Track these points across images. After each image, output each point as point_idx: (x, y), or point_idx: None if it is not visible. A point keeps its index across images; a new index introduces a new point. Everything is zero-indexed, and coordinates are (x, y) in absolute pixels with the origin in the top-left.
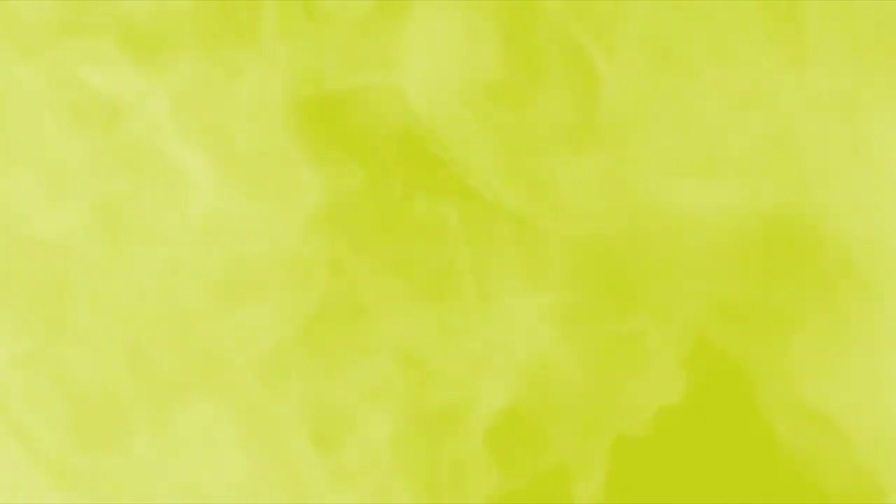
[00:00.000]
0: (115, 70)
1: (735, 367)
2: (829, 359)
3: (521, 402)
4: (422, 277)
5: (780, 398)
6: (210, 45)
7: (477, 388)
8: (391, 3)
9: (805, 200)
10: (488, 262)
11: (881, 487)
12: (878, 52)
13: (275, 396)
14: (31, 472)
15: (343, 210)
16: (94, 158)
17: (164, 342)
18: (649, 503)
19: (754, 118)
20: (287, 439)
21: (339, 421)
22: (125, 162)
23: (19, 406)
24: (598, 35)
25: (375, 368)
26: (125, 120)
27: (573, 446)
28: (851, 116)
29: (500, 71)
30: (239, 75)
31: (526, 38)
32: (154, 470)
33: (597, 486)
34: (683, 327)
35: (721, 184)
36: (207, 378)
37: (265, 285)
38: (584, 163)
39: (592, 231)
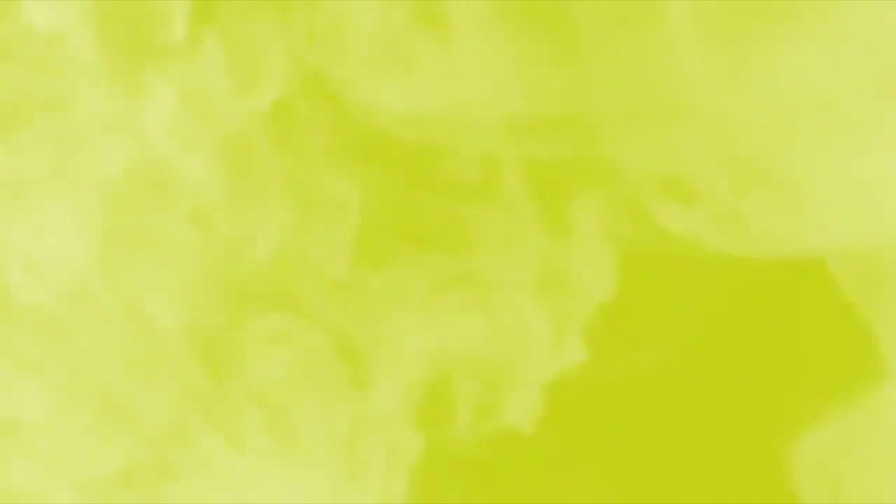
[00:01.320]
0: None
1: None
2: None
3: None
4: (439, 283)
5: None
6: (219, 48)
7: (499, 401)
8: (415, 11)
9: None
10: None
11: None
12: None
13: (296, 409)
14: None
15: (361, 217)
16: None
17: (180, 355)
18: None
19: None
20: (311, 449)
21: (360, 431)
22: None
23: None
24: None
25: (395, 377)
26: (134, 127)
27: (499, 399)
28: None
29: (519, 85)
30: (249, 80)
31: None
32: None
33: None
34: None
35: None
36: (227, 391)
37: (281, 295)
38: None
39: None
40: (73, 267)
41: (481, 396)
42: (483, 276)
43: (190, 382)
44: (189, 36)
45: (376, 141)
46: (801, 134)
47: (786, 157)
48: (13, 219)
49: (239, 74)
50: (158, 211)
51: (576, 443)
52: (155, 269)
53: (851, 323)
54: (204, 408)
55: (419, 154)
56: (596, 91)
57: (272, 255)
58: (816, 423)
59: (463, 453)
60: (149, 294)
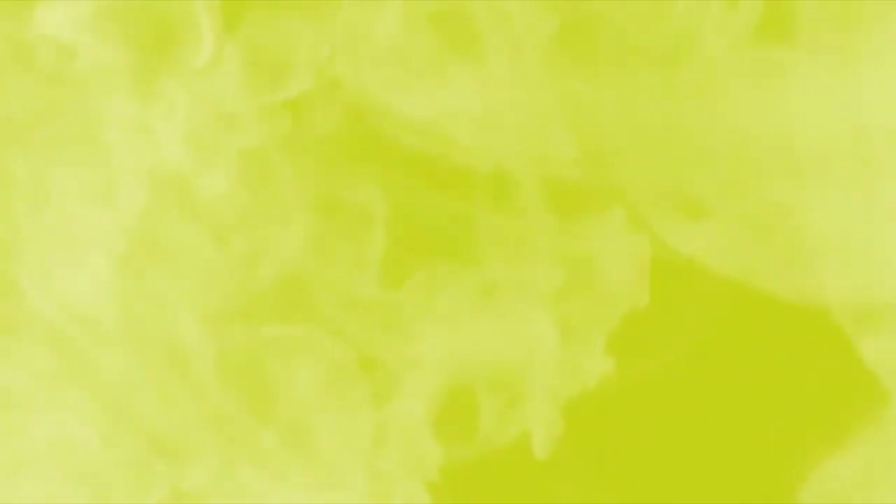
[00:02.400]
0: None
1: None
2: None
3: (462, 374)
4: (462, 294)
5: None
6: (240, 60)
7: (521, 412)
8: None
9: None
10: (431, 232)
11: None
12: None
13: (319, 421)
14: None
15: (383, 229)
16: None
17: (205, 371)
18: (604, 463)
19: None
20: (334, 461)
21: (383, 442)
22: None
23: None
24: None
25: (417, 389)
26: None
27: (520, 412)
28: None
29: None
30: (271, 91)
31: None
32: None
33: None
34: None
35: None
36: (252, 406)
37: (217, 245)
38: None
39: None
40: (92, 283)
41: (503, 410)
42: (504, 288)
43: (210, 396)
44: (210, 47)
45: (398, 152)
46: (813, 179)
47: (796, 202)
48: (33, 233)
49: (260, 85)
50: (179, 224)
51: (595, 458)
52: (176, 283)
53: (852, 358)
54: (224, 422)
55: (440, 165)
56: (615, 118)
57: (293, 267)
58: (828, 455)
59: (484, 467)
60: (170, 308)
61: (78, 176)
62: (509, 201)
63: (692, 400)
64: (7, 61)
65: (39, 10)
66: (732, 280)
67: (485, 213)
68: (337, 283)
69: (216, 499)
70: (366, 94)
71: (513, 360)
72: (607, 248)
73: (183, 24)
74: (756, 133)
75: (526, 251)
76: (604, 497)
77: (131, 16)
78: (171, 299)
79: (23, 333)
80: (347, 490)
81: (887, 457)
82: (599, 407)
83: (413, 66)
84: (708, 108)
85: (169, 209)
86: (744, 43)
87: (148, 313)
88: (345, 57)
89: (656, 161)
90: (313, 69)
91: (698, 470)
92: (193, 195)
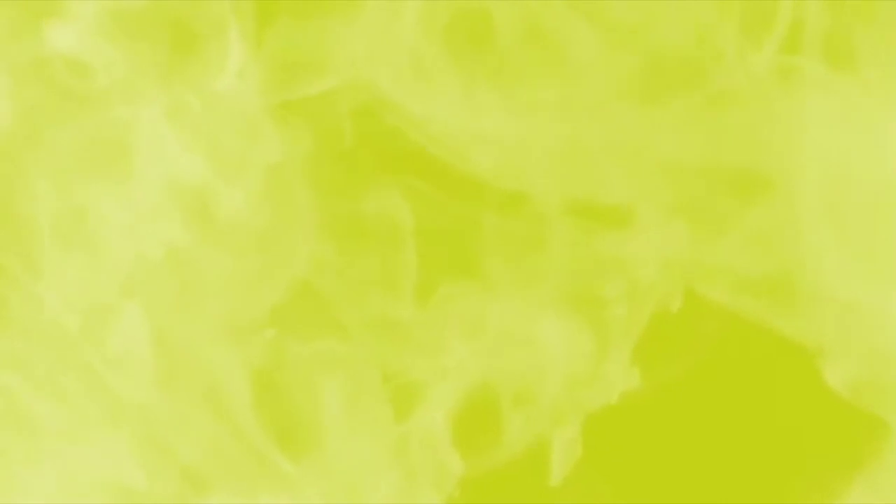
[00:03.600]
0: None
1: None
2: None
3: (485, 384)
4: (376, 258)
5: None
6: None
7: (542, 424)
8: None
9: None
10: (449, 245)
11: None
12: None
13: (229, 369)
14: None
15: (338, 214)
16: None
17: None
18: (623, 479)
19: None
20: (356, 473)
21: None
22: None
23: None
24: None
25: (334, 347)
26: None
27: (541, 426)
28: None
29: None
30: (226, 75)
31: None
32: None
33: (569, 466)
34: (646, 302)
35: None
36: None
37: (231, 258)
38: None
39: (558, 197)
40: (112, 300)
41: (526, 423)
42: (528, 303)
43: (233, 408)
44: (230, 57)
45: (421, 163)
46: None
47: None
48: (57, 257)
49: (282, 99)
50: (199, 238)
51: (616, 471)
52: (197, 298)
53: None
54: (245, 434)
55: (462, 176)
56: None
57: (314, 280)
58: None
59: (505, 480)
60: (191, 324)
61: (104, 194)
62: (534, 213)
63: (702, 416)
64: (28, 79)
65: (54, 26)
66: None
67: (507, 225)
68: (359, 296)
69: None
70: (390, 107)
71: (536, 373)
72: (634, 259)
73: (207, 35)
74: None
75: (551, 264)
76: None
77: (151, 28)
78: (199, 320)
79: (55, 363)
80: (369, 500)
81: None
82: (621, 420)
83: (436, 78)
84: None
85: (193, 226)
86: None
87: (177, 337)
88: (371, 69)
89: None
90: (336, 79)
91: (716, 480)
92: (216, 211)
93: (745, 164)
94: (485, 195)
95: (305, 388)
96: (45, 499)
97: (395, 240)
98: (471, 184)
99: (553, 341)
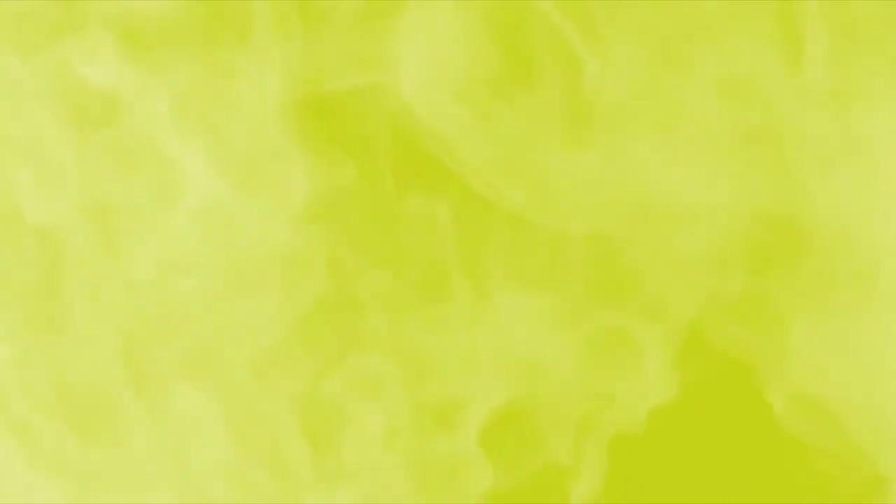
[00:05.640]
0: (113, 68)
1: (731, 361)
2: (826, 348)
3: (516, 400)
4: (416, 274)
5: (778, 389)
6: (206, 44)
7: (471, 386)
8: (385, 3)
9: (796, 194)
10: (483, 260)
11: (882, 475)
12: (871, 48)
13: (268, 392)
14: (28, 466)
15: (337, 208)
16: (90, 156)
17: (159, 337)
18: (646, 501)
19: (748, 113)
20: (279, 435)
21: (333, 417)
22: (121, 159)
23: (15, 402)
24: (589, 32)
25: (369, 365)
26: (122, 117)
27: (568, 444)
28: (844, 113)
29: (494, 69)
30: (235, 74)
31: (518, 36)
32: (147, 463)
33: (593, 484)
34: (677, 323)
35: (713, 179)
36: (201, 373)
37: (260, 281)
38: (578, 159)
39: (586, 227)
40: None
41: (554, 433)
42: (560, 311)
43: (254, 412)
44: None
45: (439, 167)
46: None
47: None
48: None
49: (302, 101)
50: (220, 248)
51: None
52: (225, 302)
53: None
54: (263, 438)
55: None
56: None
57: (335, 282)
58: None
59: (534, 490)
60: (218, 330)
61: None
62: (466, 181)
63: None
64: (51, 110)
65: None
66: (716, 219)
67: (441, 193)
68: (383, 299)
69: None
70: (319, 69)
71: (468, 339)
72: (658, 274)
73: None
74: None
75: (482, 231)
76: None
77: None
78: (220, 321)
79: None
80: (290, 466)
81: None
82: (647, 440)
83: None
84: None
85: (209, 235)
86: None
87: (192, 335)
88: (383, 69)
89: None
90: (363, 95)
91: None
92: (162, 167)
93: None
94: (507, 207)
95: (341, 402)
96: None
97: (432, 256)
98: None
99: (579, 358)
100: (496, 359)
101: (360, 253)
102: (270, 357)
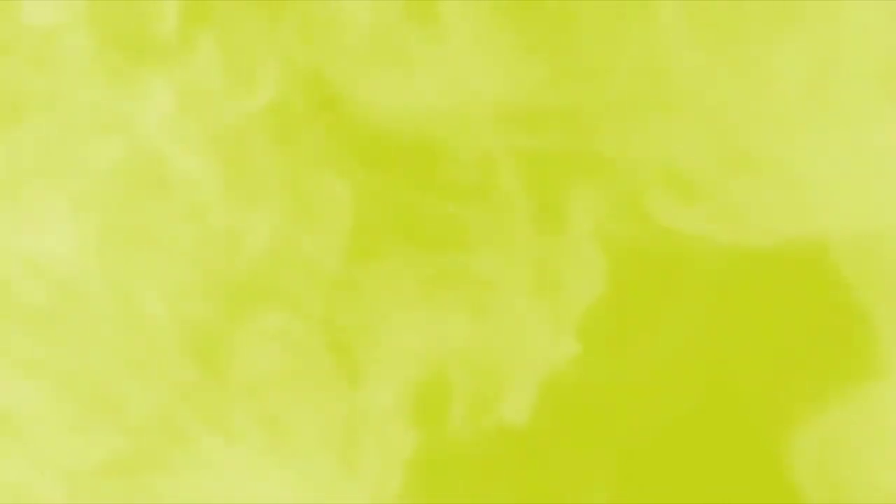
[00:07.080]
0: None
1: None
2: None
3: (535, 411)
4: (433, 280)
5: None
6: (214, 47)
7: (494, 397)
8: (408, 8)
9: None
10: (501, 268)
11: None
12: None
13: (290, 405)
14: (38, 481)
15: (355, 215)
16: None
17: (173, 350)
18: None
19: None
20: (305, 446)
21: (355, 427)
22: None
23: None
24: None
25: (390, 374)
26: (130, 124)
27: (585, 457)
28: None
29: (514, 80)
30: (244, 78)
31: (541, 49)
32: (168, 488)
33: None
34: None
35: (725, 211)
36: (220, 386)
37: (275, 292)
38: (594, 177)
39: (604, 237)
40: (67, 262)
41: (476, 392)
42: (477, 273)
43: (183, 377)
44: (184, 34)
45: (371, 138)
46: (799, 124)
47: (784, 148)
48: (8, 214)
49: (234, 72)
50: (154, 207)
51: (570, 439)
52: (150, 265)
53: (851, 316)
54: (197, 403)
55: (414, 151)
56: (591, 83)
57: (266, 251)
58: (815, 415)
59: (457, 449)
60: (143, 290)
61: (54, 157)
62: (484, 186)
63: (681, 367)
64: None
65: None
66: (721, 246)
67: (459, 198)
68: (310, 266)
69: (187, 476)
70: (338, 80)
71: (485, 342)
72: (580, 232)
73: (156, 11)
74: (739, 85)
75: (499, 236)
76: (581, 477)
77: (107, 4)
78: (145, 281)
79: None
80: (319, 471)
81: (876, 415)
82: (575, 381)
83: (383, 50)
84: (683, 62)
85: (144, 194)
86: None
87: (120, 295)
88: (317, 43)
89: (635, 124)
90: (286, 55)
91: (684, 427)
92: (169, 179)
93: None
94: (442, 171)
95: (251, 354)
96: None
97: (342, 212)
98: (425, 159)
99: (504, 313)
100: (516, 369)
101: (377, 260)
102: (290, 370)
